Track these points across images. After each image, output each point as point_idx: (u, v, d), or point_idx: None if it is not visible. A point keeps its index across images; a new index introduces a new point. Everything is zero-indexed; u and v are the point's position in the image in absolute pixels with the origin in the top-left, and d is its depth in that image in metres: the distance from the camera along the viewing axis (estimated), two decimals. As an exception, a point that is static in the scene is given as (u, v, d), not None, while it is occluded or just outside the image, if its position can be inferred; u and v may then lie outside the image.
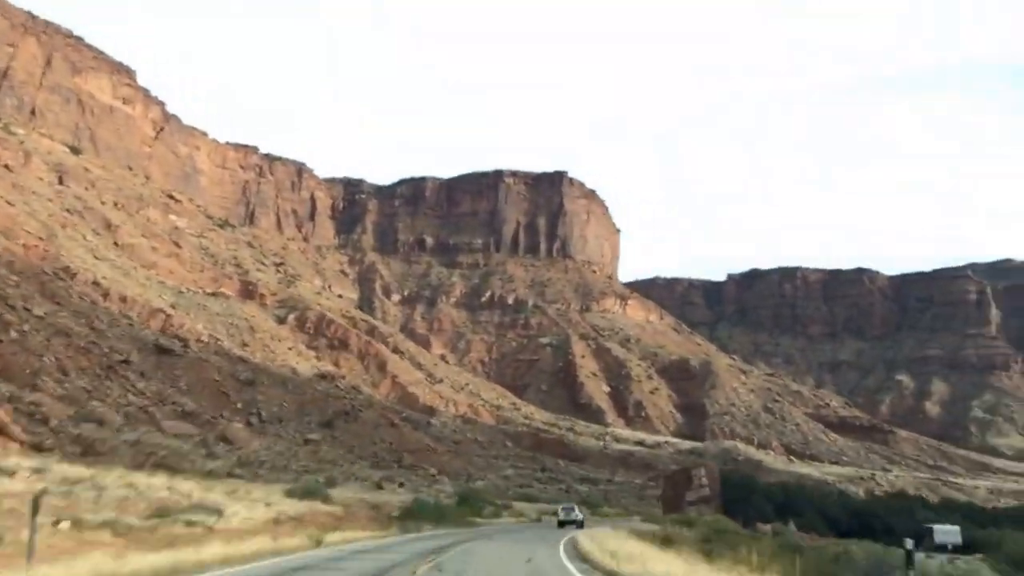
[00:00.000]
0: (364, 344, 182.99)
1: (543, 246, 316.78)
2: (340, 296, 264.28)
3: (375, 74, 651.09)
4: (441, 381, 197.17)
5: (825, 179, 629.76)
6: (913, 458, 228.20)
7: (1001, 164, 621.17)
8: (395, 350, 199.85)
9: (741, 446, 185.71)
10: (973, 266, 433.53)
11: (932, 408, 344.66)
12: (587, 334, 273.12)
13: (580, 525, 63.28)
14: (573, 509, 67.81)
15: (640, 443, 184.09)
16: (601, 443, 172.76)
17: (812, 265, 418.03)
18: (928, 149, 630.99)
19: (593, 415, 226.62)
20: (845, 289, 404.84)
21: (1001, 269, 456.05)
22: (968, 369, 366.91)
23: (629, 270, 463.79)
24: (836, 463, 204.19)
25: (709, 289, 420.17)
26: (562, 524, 64.23)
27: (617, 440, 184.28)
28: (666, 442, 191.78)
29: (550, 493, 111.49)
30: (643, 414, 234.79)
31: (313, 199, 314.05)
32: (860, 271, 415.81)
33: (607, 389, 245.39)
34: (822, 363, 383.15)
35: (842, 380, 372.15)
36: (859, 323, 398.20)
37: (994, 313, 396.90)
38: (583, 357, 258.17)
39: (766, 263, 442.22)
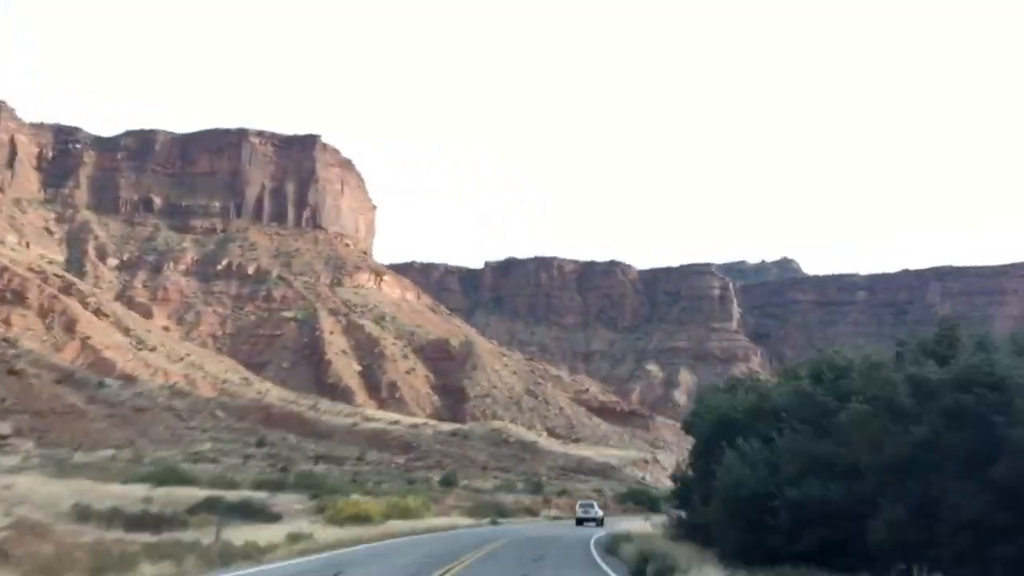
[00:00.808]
0: (48, 300, 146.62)
1: (291, 214, 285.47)
2: (42, 256, 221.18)
3: (100, 10, 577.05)
4: (154, 349, 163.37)
5: (579, 176, 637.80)
6: (674, 443, 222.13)
7: (739, 174, 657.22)
8: (97, 312, 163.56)
9: (512, 427, 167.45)
10: (711, 266, 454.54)
11: (680, 396, 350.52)
12: (337, 309, 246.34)
13: (600, 523, 62.82)
14: (592, 507, 68.06)
15: (395, 423, 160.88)
16: (351, 420, 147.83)
17: (568, 256, 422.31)
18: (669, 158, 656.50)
19: (341, 395, 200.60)
20: (598, 280, 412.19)
21: (737, 270, 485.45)
22: (712, 360, 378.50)
23: (384, 254, 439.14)
24: (603, 446, 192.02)
25: (466, 276, 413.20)
26: (580, 522, 64.12)
27: (368, 419, 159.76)
28: (425, 424, 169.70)
29: (260, 472, 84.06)
30: (397, 395, 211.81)
31: (13, 143, 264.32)
32: (613, 263, 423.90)
33: (358, 368, 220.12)
34: (576, 352, 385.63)
35: (594, 369, 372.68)
36: (611, 314, 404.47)
37: (735, 309, 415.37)
38: (332, 333, 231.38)
39: (524, 253, 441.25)
